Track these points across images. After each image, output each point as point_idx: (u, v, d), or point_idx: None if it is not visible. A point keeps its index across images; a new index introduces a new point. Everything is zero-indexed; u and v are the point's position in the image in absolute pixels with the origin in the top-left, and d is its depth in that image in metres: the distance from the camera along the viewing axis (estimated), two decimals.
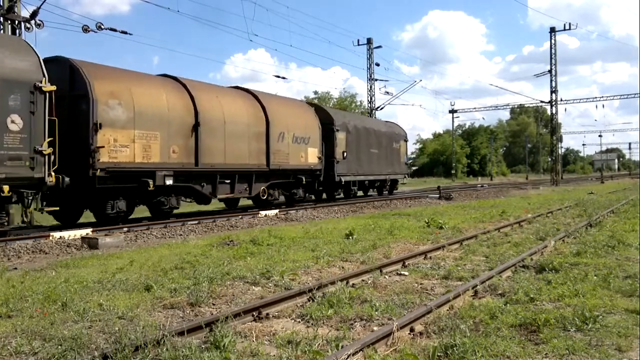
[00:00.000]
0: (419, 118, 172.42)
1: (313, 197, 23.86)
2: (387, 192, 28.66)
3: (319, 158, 20.77)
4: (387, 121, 32.89)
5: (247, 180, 17.33)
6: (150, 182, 13.66)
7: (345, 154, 22.58)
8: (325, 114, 22.46)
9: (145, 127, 13.69)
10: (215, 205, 21.04)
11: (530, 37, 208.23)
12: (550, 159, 63.04)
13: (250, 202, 21.42)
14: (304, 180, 19.81)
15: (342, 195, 24.85)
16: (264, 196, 18.25)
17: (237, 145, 16.65)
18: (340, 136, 22.58)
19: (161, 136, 14.14)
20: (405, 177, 30.83)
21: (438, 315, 5.09)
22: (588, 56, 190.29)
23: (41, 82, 11.17)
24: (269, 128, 18.00)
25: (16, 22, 16.44)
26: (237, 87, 19.05)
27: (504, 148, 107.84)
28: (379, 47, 41.32)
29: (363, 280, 7.00)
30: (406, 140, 31.01)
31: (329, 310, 5.39)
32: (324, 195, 24.65)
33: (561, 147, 68.80)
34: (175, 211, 16.37)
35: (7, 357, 4.25)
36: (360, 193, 27.30)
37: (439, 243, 10.03)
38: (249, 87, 19.53)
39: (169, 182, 14.31)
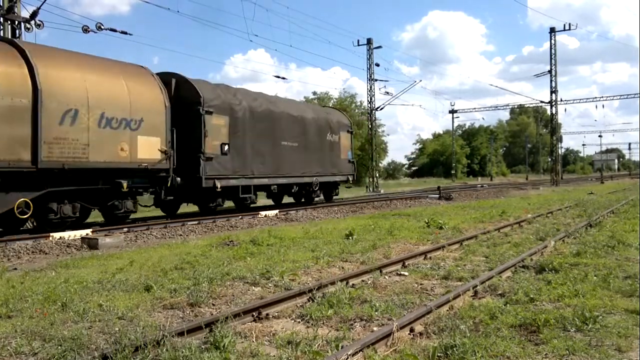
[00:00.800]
0: (418, 118, 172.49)
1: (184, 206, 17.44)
2: (319, 198, 22.40)
3: (164, 152, 14.13)
4: (324, 106, 25.43)
5: None
6: None
7: (226, 148, 16.13)
8: (188, 87, 15.64)
9: None
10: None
11: (530, 38, 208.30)
12: (550, 159, 63.08)
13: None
14: (124, 186, 13.15)
15: (231, 205, 18.52)
16: (24, 214, 11.30)
17: None
18: (217, 121, 15.95)
19: None
20: (348, 179, 23.62)
21: (438, 316, 5.09)
22: (588, 56, 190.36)
23: None
24: (41, 101, 11.28)
25: (16, 22, 16.45)
26: None
27: (504, 148, 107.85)
28: (379, 47, 41.21)
29: (363, 281, 7.00)
30: (350, 132, 24.07)
31: (329, 311, 5.39)
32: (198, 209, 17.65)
33: (561, 148, 68.98)
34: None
35: (7, 357, 4.25)
36: (285, 201, 21.67)
37: (439, 243, 10.03)
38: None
39: None
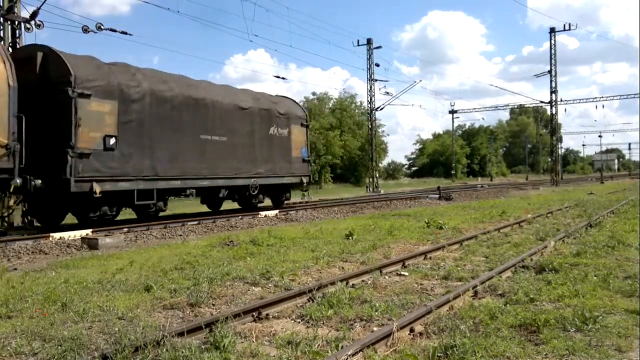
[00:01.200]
0: (418, 118, 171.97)
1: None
2: (263, 204, 19.00)
3: (5, 147, 10.88)
4: (279, 95, 20.49)
5: None
6: None
7: (112, 142, 12.72)
8: (57, 63, 12.26)
9: None
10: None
11: (529, 38, 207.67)
12: (550, 160, 63.10)
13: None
14: None
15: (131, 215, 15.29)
16: None
17: None
18: (98, 107, 12.54)
19: None
20: (302, 180, 19.74)
21: (438, 316, 5.09)
22: (588, 56, 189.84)
23: None
24: None
25: (16, 22, 16.45)
26: None
27: (504, 148, 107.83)
28: (379, 47, 41.20)
29: (363, 281, 7.00)
30: (305, 125, 20.06)
31: (329, 311, 5.39)
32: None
33: (561, 148, 68.99)
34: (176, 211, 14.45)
35: (7, 357, 4.25)
36: (225, 208, 18.44)
37: (439, 243, 10.03)
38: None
39: None
